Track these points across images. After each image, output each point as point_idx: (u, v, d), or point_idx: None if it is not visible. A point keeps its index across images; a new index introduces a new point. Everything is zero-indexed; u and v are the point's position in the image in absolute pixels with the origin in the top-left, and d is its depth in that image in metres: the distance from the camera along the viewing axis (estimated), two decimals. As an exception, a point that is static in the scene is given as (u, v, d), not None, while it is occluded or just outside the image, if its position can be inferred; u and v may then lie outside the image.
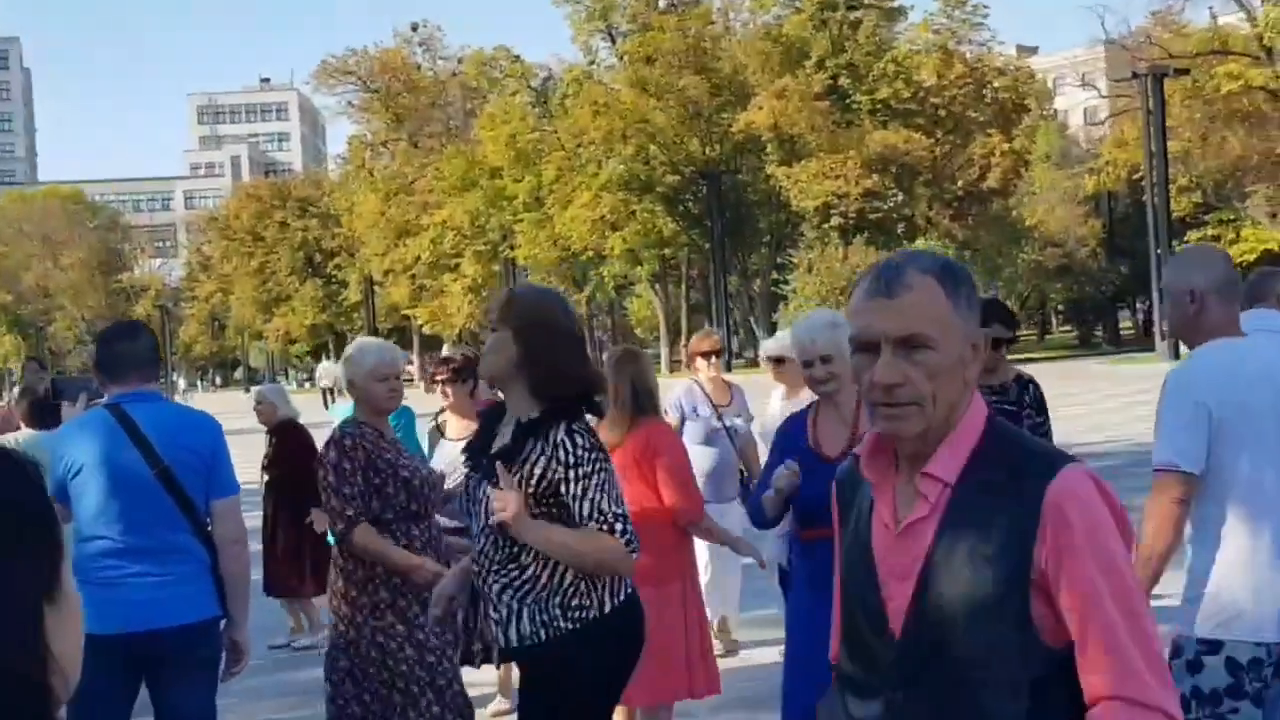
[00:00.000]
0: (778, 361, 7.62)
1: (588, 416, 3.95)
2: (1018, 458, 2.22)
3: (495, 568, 3.85)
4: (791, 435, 5.02)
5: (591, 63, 68.42)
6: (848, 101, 59.20)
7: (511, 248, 66.79)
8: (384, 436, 5.37)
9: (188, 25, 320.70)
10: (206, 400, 73.85)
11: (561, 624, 3.81)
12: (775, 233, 63.00)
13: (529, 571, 3.82)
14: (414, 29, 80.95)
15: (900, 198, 57.10)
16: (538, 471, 3.78)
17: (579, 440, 3.81)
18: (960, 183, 58.27)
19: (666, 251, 64.47)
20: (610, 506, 3.77)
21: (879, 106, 58.51)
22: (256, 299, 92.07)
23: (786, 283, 55.69)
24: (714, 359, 8.29)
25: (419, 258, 72.58)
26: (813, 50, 59.50)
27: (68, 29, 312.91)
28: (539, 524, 3.73)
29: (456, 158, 70.07)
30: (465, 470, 4.10)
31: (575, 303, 66.35)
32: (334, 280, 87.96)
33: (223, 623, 4.90)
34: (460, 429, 6.72)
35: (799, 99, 56.12)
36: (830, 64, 59.24)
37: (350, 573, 5.22)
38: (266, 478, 9.52)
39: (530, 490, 3.77)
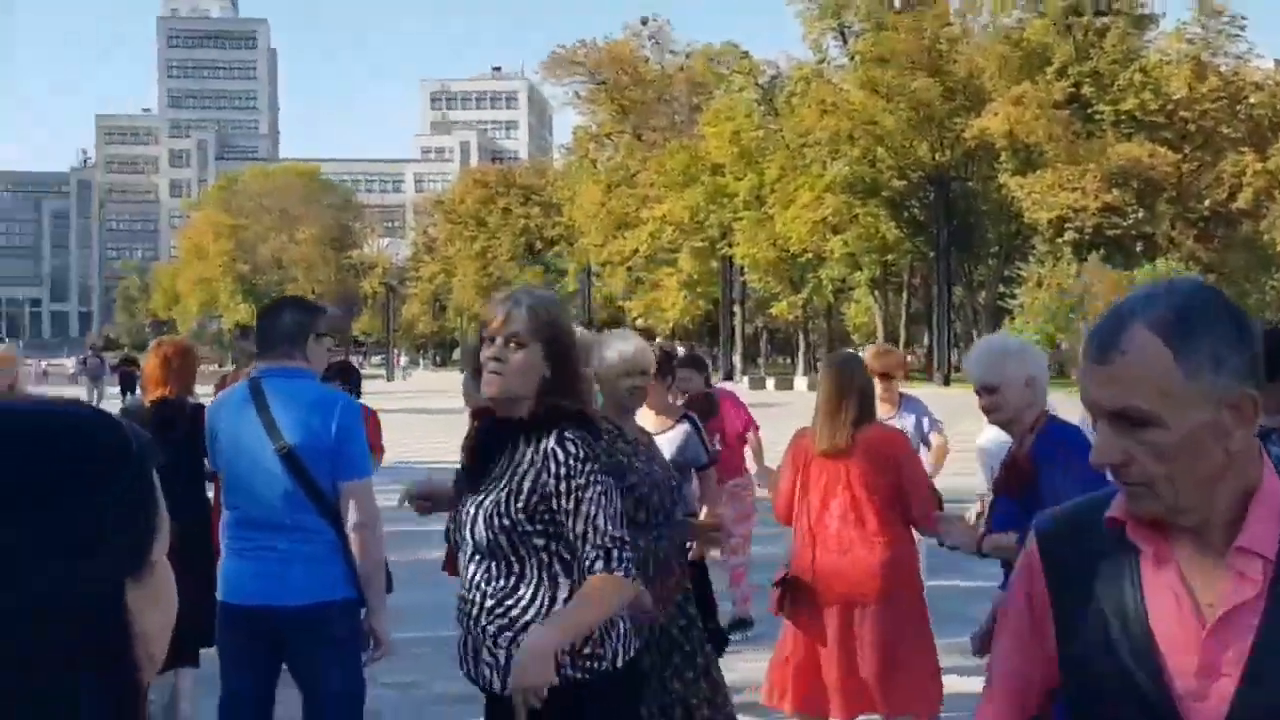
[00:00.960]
0: None
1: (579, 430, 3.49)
2: None
3: (490, 604, 3.43)
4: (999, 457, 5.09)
5: (821, 61, 67.39)
6: (1089, 111, 57.23)
7: (730, 245, 66.36)
8: (623, 435, 5.05)
9: (425, 12, 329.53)
10: (425, 378, 75.25)
11: (569, 672, 3.36)
12: (1004, 244, 61.36)
13: (531, 610, 3.40)
14: (644, 23, 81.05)
15: (1141, 214, 54.62)
16: (526, 485, 3.39)
17: (570, 449, 3.38)
18: (1207, 202, 55.80)
19: (888, 257, 63.46)
20: (607, 525, 3.35)
21: (1123, 118, 56.41)
22: (477, 282, 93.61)
23: (1013, 296, 53.64)
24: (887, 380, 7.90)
25: (637, 250, 72.63)
26: (1055, 56, 57.63)
27: (312, 12, 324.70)
28: (546, 631, 3.27)
29: (679, 152, 69.84)
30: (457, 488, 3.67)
31: (792, 304, 66.71)
32: (552, 268, 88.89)
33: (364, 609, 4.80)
34: (656, 424, 6.29)
35: (1037, 106, 54.32)
36: (1073, 71, 57.25)
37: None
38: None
39: (520, 505, 3.38)
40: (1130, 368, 1.80)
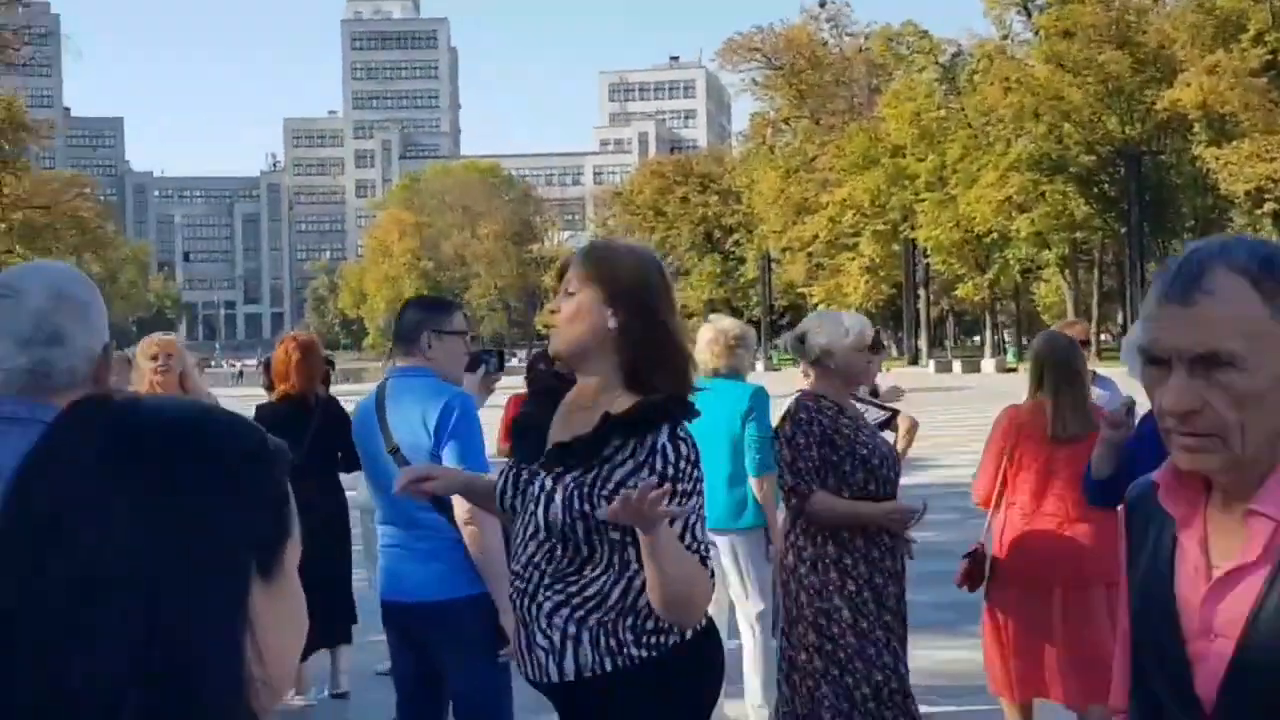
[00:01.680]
0: None
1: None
2: None
3: (548, 580, 3.04)
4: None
5: (1004, 37, 66.12)
6: (1288, 76, 54.84)
7: (912, 228, 65.66)
8: (844, 412, 5.19)
9: (602, 4, 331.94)
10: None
11: (634, 651, 3.02)
12: (1200, 218, 59.52)
13: (595, 586, 3.02)
14: (821, 5, 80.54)
15: (1347, 184, 52.40)
16: (618, 475, 2.95)
17: (683, 450, 2.97)
18: None
19: (1078, 235, 61.98)
20: (701, 535, 2.99)
21: (1325, 82, 53.91)
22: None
23: (1210, 272, 51.97)
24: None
25: (817, 236, 72.25)
26: (1250, 23, 55.48)
27: (491, 9, 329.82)
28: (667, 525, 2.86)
29: (859, 135, 69.30)
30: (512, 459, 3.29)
31: (977, 286, 65.75)
32: (732, 256, 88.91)
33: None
34: None
35: (1232, 75, 52.40)
36: (1270, 38, 55.09)
37: (800, 550, 5.12)
38: None
39: (605, 494, 2.93)
40: (1217, 308, 1.74)
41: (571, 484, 3.01)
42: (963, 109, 63.36)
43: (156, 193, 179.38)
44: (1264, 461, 1.80)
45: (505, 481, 3.19)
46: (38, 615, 1.06)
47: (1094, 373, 8.08)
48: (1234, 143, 52.91)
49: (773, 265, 78.88)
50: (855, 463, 5.01)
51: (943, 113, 64.76)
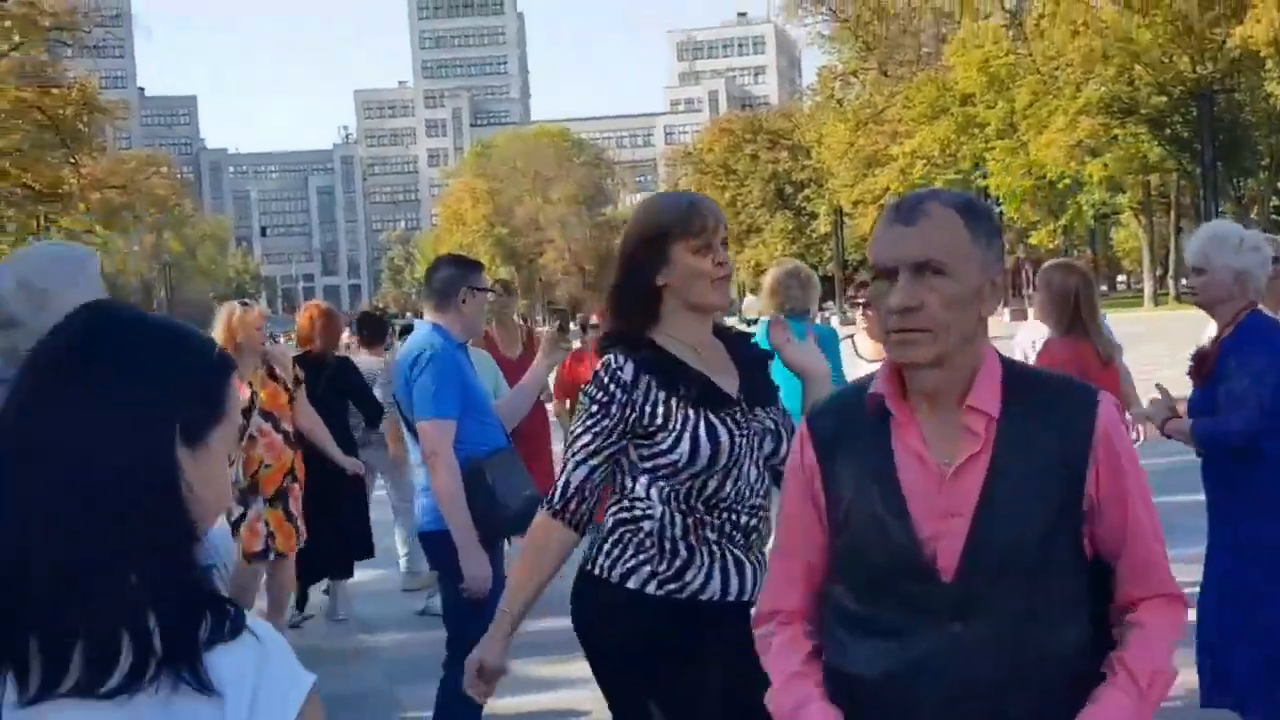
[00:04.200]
0: None
1: None
2: (1049, 389, 2.34)
3: (766, 514, 3.39)
4: None
5: (1072, -21, 65.26)
6: (1363, 7, 53.82)
7: (984, 176, 65.20)
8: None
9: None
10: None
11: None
12: (1275, 155, 58.56)
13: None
14: (886, -45, 79.80)
15: None
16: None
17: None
18: None
19: (1152, 178, 61.20)
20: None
21: (1401, 11, 52.85)
22: (730, 231, 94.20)
23: (1287, 209, 51.50)
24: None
25: (888, 188, 71.83)
26: (1323, -46, 54.38)
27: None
28: None
29: (927, 85, 68.86)
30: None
31: (1051, 233, 65.20)
32: (804, 212, 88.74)
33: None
34: (875, 351, 6.72)
35: (1305, 8, 51.45)
36: (1343, -32, 53.98)
37: None
38: None
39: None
40: (933, 228, 2.24)
41: (775, 414, 3.44)
42: (1030, 54, 62.70)
43: (231, 169, 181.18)
44: (965, 364, 2.26)
45: (720, 430, 3.26)
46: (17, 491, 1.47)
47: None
48: (1308, 77, 52.24)
49: (844, 220, 78.79)
50: None
51: (1011, 59, 64.03)
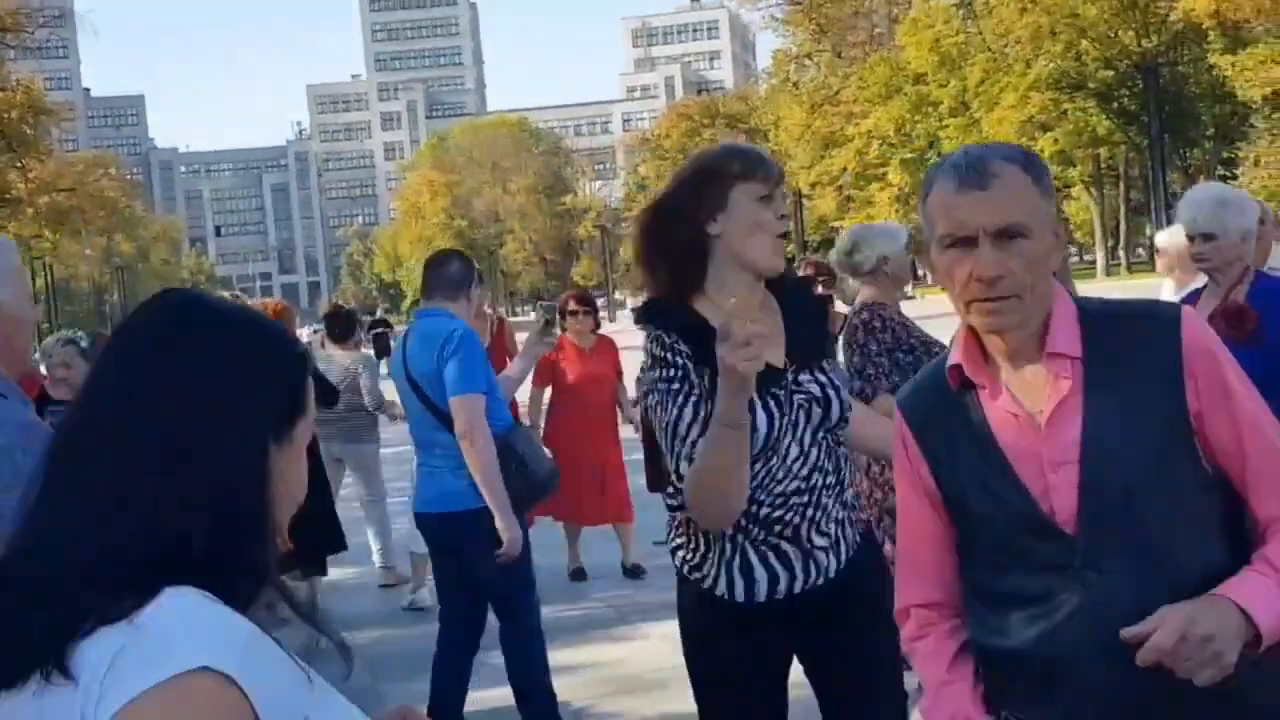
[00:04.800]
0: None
1: None
2: (1129, 317, 2.24)
3: (830, 480, 3.10)
4: None
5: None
6: (1301, -21, 54.61)
7: (938, 154, 65.53)
8: (904, 316, 5.41)
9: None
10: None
11: (850, 533, 3.19)
12: (1219, 126, 59.38)
13: (844, 474, 3.17)
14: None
15: (1365, 80, 52.27)
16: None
17: None
18: None
19: (1102, 151, 61.88)
20: None
21: (1338, -18, 53.63)
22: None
23: (1234, 178, 52.16)
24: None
25: (845, 168, 72.41)
26: (1262, -73, 55.11)
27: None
28: None
29: (880, 65, 69.30)
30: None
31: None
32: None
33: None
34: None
35: (1244, -20, 52.19)
36: (1282, -59, 54.70)
37: (866, 466, 5.20)
38: None
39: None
40: (1009, 190, 2.14)
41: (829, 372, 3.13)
42: (980, 32, 63.30)
43: (183, 168, 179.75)
44: (1038, 315, 2.18)
45: (760, 414, 2.95)
46: (102, 467, 1.45)
47: None
48: (1248, 49, 52.84)
49: (803, 201, 79.19)
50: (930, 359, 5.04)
51: (962, 37, 64.55)
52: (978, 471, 2.23)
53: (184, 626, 1.35)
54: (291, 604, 1.51)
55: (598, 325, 9.45)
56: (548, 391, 9.18)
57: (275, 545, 1.51)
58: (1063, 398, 2.16)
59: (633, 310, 3.77)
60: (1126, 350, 2.17)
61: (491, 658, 5.73)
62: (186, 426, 1.45)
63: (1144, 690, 2.07)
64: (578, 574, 8.99)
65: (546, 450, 5.90)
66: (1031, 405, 2.18)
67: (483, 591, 5.46)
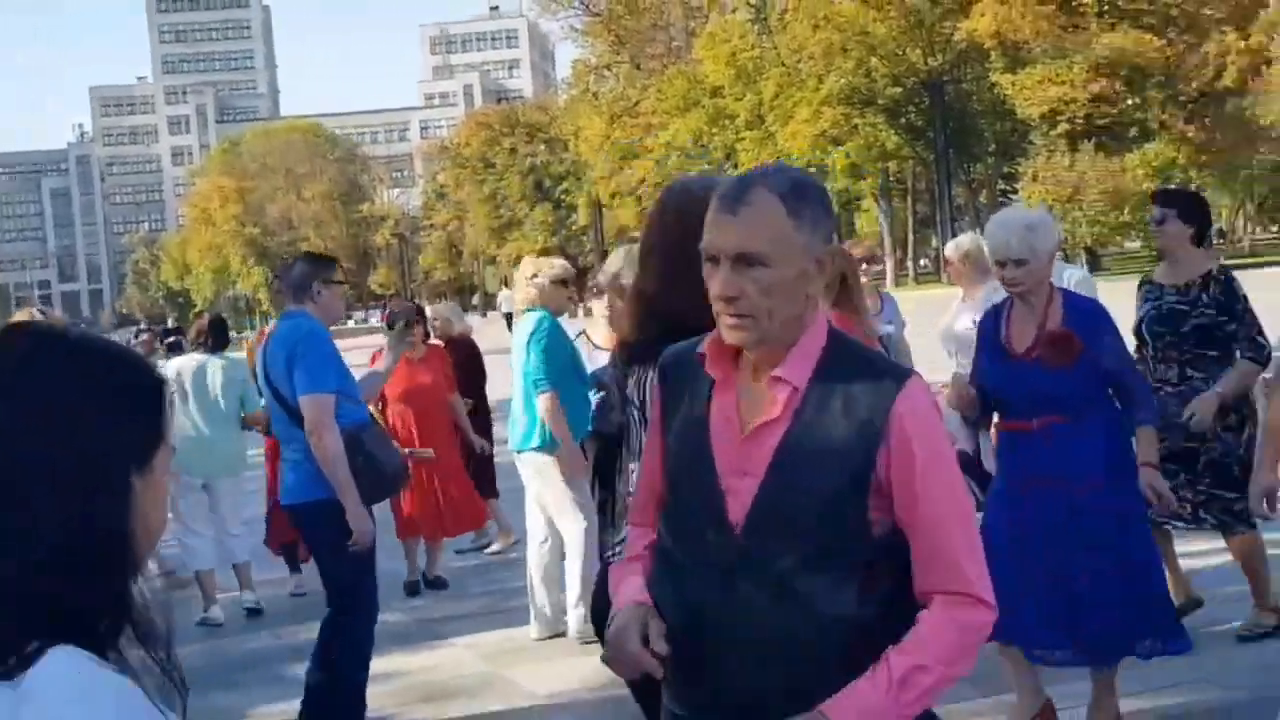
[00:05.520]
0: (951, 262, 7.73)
1: None
2: (862, 368, 2.36)
3: None
4: (987, 331, 5.09)
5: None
6: (1073, 4, 57.14)
7: (735, 166, 66.72)
8: None
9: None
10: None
11: None
12: (1000, 141, 61.86)
13: None
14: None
15: (1130, 101, 54.99)
16: None
17: None
18: (1195, 84, 55.84)
19: (890, 165, 63.75)
20: None
21: (1107, 8, 56.36)
22: (489, 225, 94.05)
23: (1014, 192, 54.48)
24: (865, 266, 7.93)
25: (644, 179, 73.09)
26: (1038, -47, 57.46)
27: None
28: None
29: (678, 78, 70.27)
30: None
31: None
32: (563, 204, 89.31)
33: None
34: (608, 339, 6.66)
35: (1022, 4, 54.65)
36: (1058, -33, 57.16)
37: None
38: None
39: None
40: (754, 218, 2.27)
41: None
42: (775, 48, 64.62)
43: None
44: (787, 339, 2.34)
45: None
46: None
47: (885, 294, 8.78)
48: (1027, 69, 55.19)
49: (604, 211, 79.68)
50: None
51: (757, 52, 65.75)
52: (687, 448, 2.44)
53: (64, 697, 1.34)
54: (150, 645, 1.47)
55: (427, 335, 9.65)
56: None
57: (134, 581, 1.48)
58: (771, 419, 2.34)
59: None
60: (845, 397, 2.31)
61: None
62: (40, 462, 1.42)
63: (774, 691, 2.29)
64: (412, 587, 8.88)
65: (397, 449, 6.14)
66: (748, 414, 2.37)
67: (326, 580, 5.70)
